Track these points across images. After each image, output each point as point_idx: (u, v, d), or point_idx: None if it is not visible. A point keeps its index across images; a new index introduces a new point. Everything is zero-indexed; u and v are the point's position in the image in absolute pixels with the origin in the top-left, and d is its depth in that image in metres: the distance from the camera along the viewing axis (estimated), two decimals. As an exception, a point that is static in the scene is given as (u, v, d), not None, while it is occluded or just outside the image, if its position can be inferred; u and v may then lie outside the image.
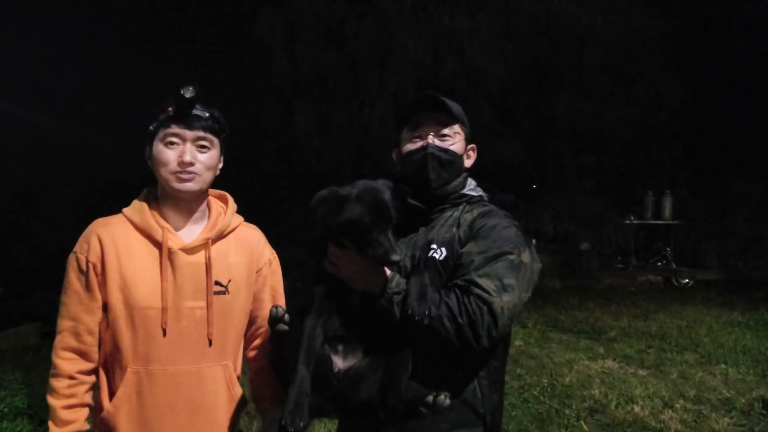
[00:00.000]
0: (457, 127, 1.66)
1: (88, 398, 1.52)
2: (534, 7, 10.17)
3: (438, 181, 1.61)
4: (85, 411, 1.52)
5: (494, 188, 1.74)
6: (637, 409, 4.36)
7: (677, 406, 4.43)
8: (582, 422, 4.11)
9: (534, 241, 12.23)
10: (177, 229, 1.58)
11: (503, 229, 1.52)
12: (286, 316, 1.46)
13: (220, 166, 1.62)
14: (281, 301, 1.73)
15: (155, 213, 1.57)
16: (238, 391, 1.63)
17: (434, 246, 1.56)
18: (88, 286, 1.50)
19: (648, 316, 8.28)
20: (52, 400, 1.49)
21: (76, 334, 1.51)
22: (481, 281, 1.41)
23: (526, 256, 1.50)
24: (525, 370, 5.36)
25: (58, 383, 1.50)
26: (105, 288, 1.50)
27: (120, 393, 1.49)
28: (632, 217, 13.13)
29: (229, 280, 1.59)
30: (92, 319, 1.51)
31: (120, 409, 1.49)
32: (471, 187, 1.69)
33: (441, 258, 1.54)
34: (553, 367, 5.48)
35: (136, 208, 1.57)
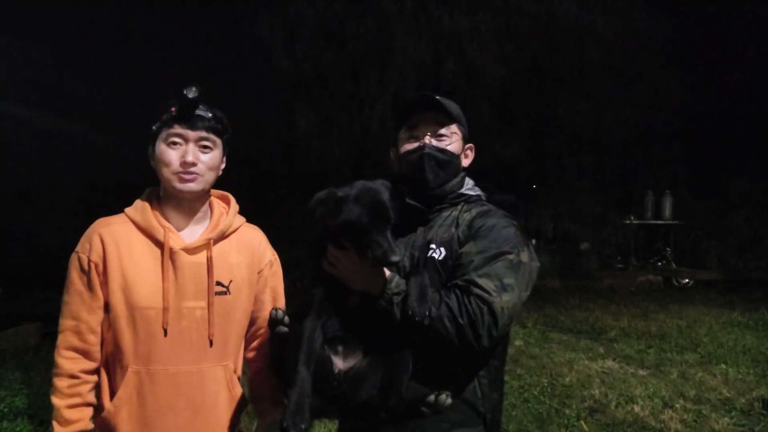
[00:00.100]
0: (454, 127, 1.66)
1: (91, 397, 1.53)
2: (534, 7, 10.17)
3: (435, 181, 1.62)
4: (89, 410, 1.52)
5: (492, 187, 1.75)
6: (637, 409, 4.36)
7: (677, 406, 4.44)
8: (582, 422, 4.11)
9: (534, 241, 12.28)
10: (179, 230, 1.58)
11: (502, 228, 1.52)
12: (286, 318, 1.46)
13: (223, 166, 1.62)
14: (281, 303, 1.73)
15: (157, 213, 1.57)
16: (239, 391, 1.63)
17: (433, 246, 1.56)
18: (90, 286, 1.50)
19: (648, 316, 8.29)
20: (55, 400, 1.50)
21: (78, 334, 1.51)
22: (481, 281, 1.42)
23: (525, 256, 1.50)
24: (525, 370, 5.36)
25: (60, 382, 1.50)
26: (106, 287, 1.50)
27: (121, 393, 1.49)
28: (632, 217, 13.13)
29: (231, 281, 1.59)
30: (94, 319, 1.51)
31: (121, 408, 1.49)
32: (469, 187, 1.70)
33: (440, 258, 1.54)
34: (553, 367, 5.48)
35: (138, 208, 1.58)
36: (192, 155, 1.51)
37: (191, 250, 1.54)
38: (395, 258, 1.37)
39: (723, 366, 5.55)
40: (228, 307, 1.58)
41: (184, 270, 1.52)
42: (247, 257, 1.65)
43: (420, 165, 1.60)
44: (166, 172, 1.52)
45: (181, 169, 1.50)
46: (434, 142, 1.62)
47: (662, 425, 4.07)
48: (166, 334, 1.49)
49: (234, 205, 1.70)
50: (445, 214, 1.63)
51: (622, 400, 4.57)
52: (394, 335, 1.46)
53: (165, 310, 1.49)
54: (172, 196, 1.57)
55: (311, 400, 1.33)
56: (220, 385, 1.57)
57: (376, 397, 1.45)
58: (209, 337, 1.54)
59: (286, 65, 10.46)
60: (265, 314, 1.69)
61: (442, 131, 1.64)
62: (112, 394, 1.52)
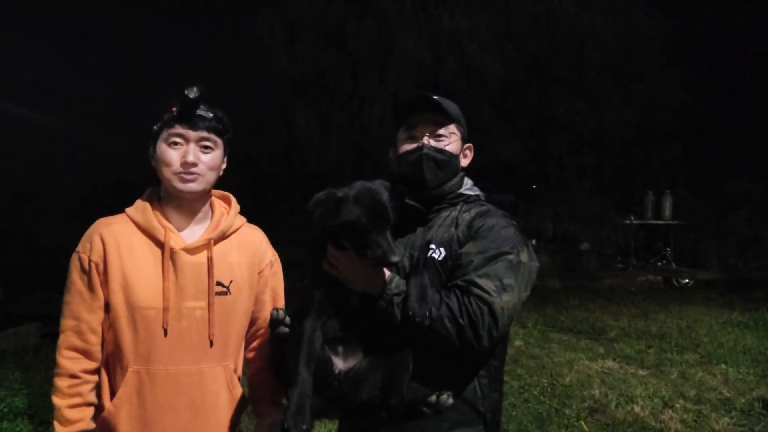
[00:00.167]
0: (452, 127, 1.66)
1: (92, 397, 1.53)
2: (534, 7, 10.16)
3: (434, 182, 1.62)
4: (90, 410, 1.52)
5: (491, 187, 1.75)
6: (637, 409, 4.36)
7: (677, 406, 4.44)
8: (582, 422, 4.11)
9: (534, 241, 12.29)
10: (180, 230, 1.58)
11: (502, 228, 1.53)
12: (287, 319, 1.46)
13: (224, 166, 1.62)
14: (281, 303, 1.73)
15: (158, 213, 1.57)
16: (239, 391, 1.63)
17: (433, 246, 1.56)
18: (90, 286, 1.51)
19: (648, 316, 8.29)
20: (56, 400, 1.50)
21: (79, 333, 1.51)
22: (481, 282, 1.42)
23: (524, 256, 1.51)
24: (525, 370, 5.36)
25: (62, 382, 1.50)
26: (107, 287, 1.50)
27: (121, 393, 1.50)
28: (632, 217, 13.14)
29: (231, 281, 1.59)
30: (95, 318, 1.51)
31: (120, 408, 1.49)
32: (468, 187, 1.70)
33: (440, 258, 1.54)
34: (553, 367, 5.48)
35: (139, 208, 1.58)
36: (193, 155, 1.51)
37: (192, 250, 1.54)
38: (395, 258, 1.37)
39: (723, 366, 5.55)
40: (228, 307, 1.58)
41: (185, 270, 1.52)
42: (247, 257, 1.65)
43: (418, 165, 1.60)
44: (166, 172, 1.52)
45: (181, 170, 1.50)
46: (433, 143, 1.62)
47: (662, 425, 4.07)
48: (166, 334, 1.49)
49: (235, 206, 1.70)
50: (445, 214, 1.63)
51: (622, 400, 4.57)
52: (394, 335, 1.46)
53: (165, 310, 1.49)
54: (172, 196, 1.57)
55: (312, 401, 1.33)
56: (221, 385, 1.57)
57: (376, 398, 1.45)
58: (209, 338, 1.54)
59: (286, 65, 10.45)
60: (265, 314, 1.70)
61: (441, 131, 1.64)
62: (113, 394, 1.52)
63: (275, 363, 1.60)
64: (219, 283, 1.56)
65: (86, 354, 1.52)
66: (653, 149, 12.07)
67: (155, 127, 1.55)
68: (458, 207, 1.64)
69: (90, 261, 1.50)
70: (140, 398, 1.49)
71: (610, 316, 8.22)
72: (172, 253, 1.51)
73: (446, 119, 1.64)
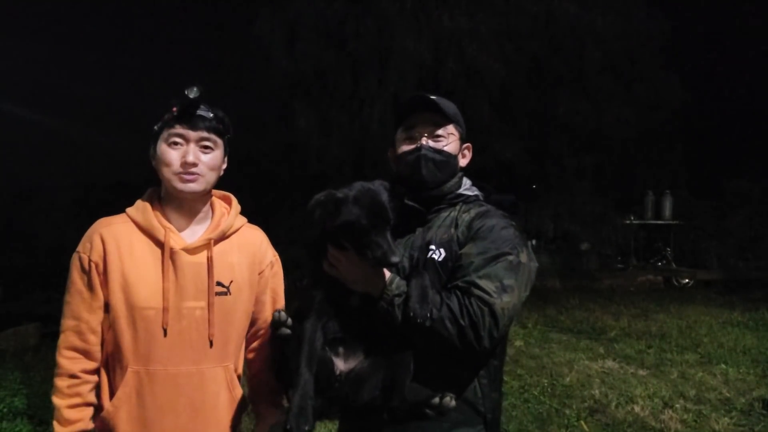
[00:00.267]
0: (451, 128, 1.66)
1: (91, 397, 1.53)
2: (534, 7, 10.15)
3: (433, 182, 1.62)
4: (89, 410, 1.52)
5: (489, 187, 1.75)
6: (637, 409, 4.36)
7: (677, 406, 4.44)
8: (582, 422, 4.11)
9: (534, 241, 12.29)
10: (180, 230, 1.58)
11: (501, 229, 1.53)
12: (289, 321, 1.46)
13: (224, 166, 1.62)
14: (281, 303, 1.73)
15: (158, 213, 1.57)
16: (239, 392, 1.63)
17: (433, 247, 1.56)
18: (90, 286, 1.51)
19: (648, 316, 8.29)
20: (56, 400, 1.50)
21: (79, 333, 1.51)
22: (482, 282, 1.42)
23: (524, 256, 1.51)
24: (525, 370, 5.36)
25: (61, 382, 1.50)
26: (107, 287, 1.50)
27: (120, 393, 1.49)
28: (632, 217, 13.14)
29: (231, 281, 1.59)
30: (94, 318, 1.51)
31: (120, 409, 1.49)
32: (467, 187, 1.70)
33: (440, 259, 1.54)
34: (553, 367, 5.48)
35: (139, 208, 1.58)
36: (193, 155, 1.51)
37: (192, 250, 1.54)
38: (395, 259, 1.37)
39: (723, 366, 5.55)
40: (228, 307, 1.58)
41: (185, 270, 1.52)
42: (248, 258, 1.65)
43: (417, 166, 1.60)
44: (166, 173, 1.52)
45: (181, 170, 1.50)
46: (431, 143, 1.62)
47: (662, 425, 4.07)
48: (165, 334, 1.49)
49: (236, 206, 1.70)
50: (444, 214, 1.63)
51: (622, 400, 4.57)
52: (394, 336, 1.46)
53: (165, 310, 1.49)
54: (173, 197, 1.56)
55: (313, 402, 1.33)
56: (221, 385, 1.57)
57: (377, 399, 1.45)
58: (209, 338, 1.53)
59: (285, 65, 10.44)
60: (265, 315, 1.70)
61: (439, 132, 1.64)
62: (112, 394, 1.52)
63: (276, 364, 1.60)
64: (219, 284, 1.56)
65: (86, 354, 1.52)
66: (653, 149, 12.06)
67: (155, 127, 1.55)
68: (457, 207, 1.64)
69: (90, 261, 1.50)
70: (140, 398, 1.49)
71: (610, 316, 8.22)
72: (172, 253, 1.51)
73: (444, 119, 1.64)
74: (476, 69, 9.85)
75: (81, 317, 1.51)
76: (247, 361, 1.75)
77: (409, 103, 1.68)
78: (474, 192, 1.69)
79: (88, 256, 1.51)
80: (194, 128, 1.51)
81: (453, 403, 1.41)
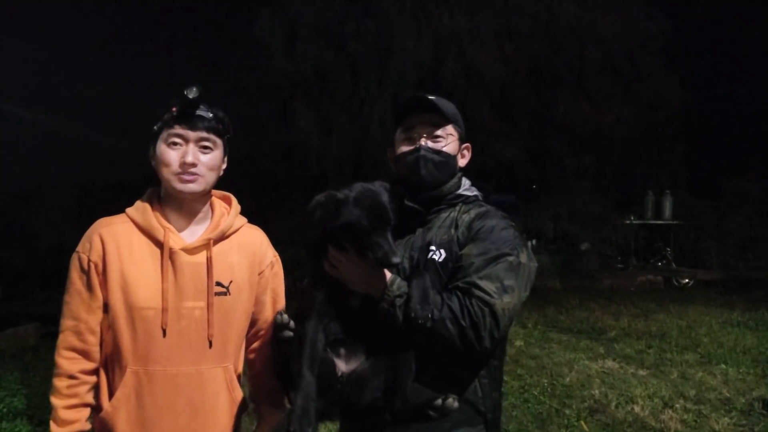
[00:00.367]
0: (450, 128, 1.66)
1: (89, 398, 1.53)
2: (534, 7, 10.15)
3: (432, 183, 1.62)
4: (86, 411, 1.52)
5: (489, 187, 1.75)
6: (637, 409, 4.36)
7: (677, 406, 4.43)
8: (582, 422, 4.11)
9: (534, 241, 12.29)
10: (180, 230, 1.58)
11: (501, 230, 1.53)
12: (292, 323, 1.46)
13: (224, 167, 1.62)
14: (281, 304, 1.73)
15: (158, 213, 1.56)
16: (239, 394, 1.62)
17: (433, 248, 1.56)
18: (89, 286, 1.50)
19: (648, 316, 8.29)
20: (54, 400, 1.50)
21: (78, 334, 1.51)
22: (482, 283, 1.42)
23: (524, 257, 1.51)
24: (525, 370, 5.36)
25: (60, 383, 1.50)
26: (106, 287, 1.50)
27: (119, 393, 1.49)
28: (632, 217, 13.13)
29: (231, 282, 1.58)
30: (93, 319, 1.51)
31: (119, 409, 1.49)
32: (466, 187, 1.70)
33: (440, 260, 1.54)
34: (553, 367, 5.48)
35: (139, 209, 1.57)
36: (192, 156, 1.50)
37: (191, 250, 1.54)
38: (396, 259, 1.37)
39: (723, 366, 5.55)
40: (228, 307, 1.57)
41: (184, 270, 1.52)
42: (248, 258, 1.65)
43: (416, 167, 1.60)
44: (166, 173, 1.52)
45: (180, 170, 1.50)
46: (430, 144, 1.62)
47: (662, 425, 4.07)
48: (165, 334, 1.49)
49: (235, 206, 1.69)
50: (444, 215, 1.63)
51: (622, 400, 4.57)
52: (395, 337, 1.46)
53: (164, 310, 1.49)
54: (172, 197, 1.56)
55: (316, 404, 1.33)
56: (220, 386, 1.57)
57: (379, 400, 1.45)
58: (208, 338, 1.53)
59: (285, 65, 10.44)
60: (265, 316, 1.69)
61: (438, 132, 1.64)
62: (111, 394, 1.51)
63: (277, 365, 1.60)
64: (218, 284, 1.56)
65: (84, 354, 1.51)
66: (653, 149, 12.06)
67: (155, 128, 1.55)
68: (457, 208, 1.64)
69: (89, 261, 1.50)
70: (139, 399, 1.49)
71: (610, 316, 8.22)
72: (172, 253, 1.51)
73: (443, 120, 1.64)
74: (476, 69, 9.84)
75: (80, 317, 1.50)
76: (248, 362, 1.74)
77: (407, 104, 1.68)
78: (473, 192, 1.69)
79: (88, 256, 1.50)
80: (193, 128, 1.51)
81: (456, 404, 1.41)
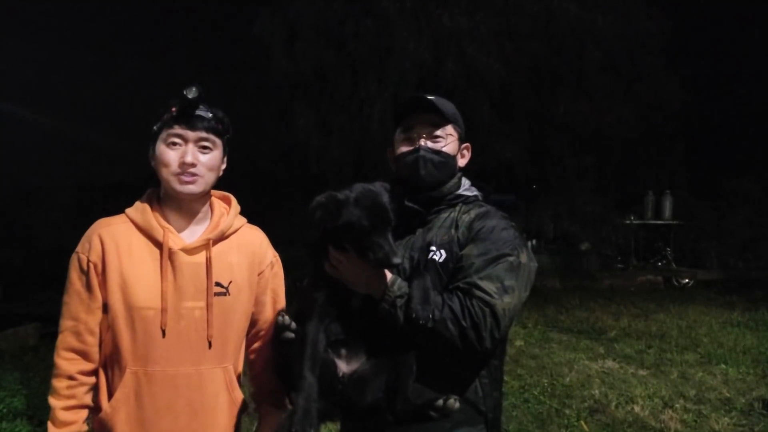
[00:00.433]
0: (449, 128, 1.65)
1: (87, 399, 1.52)
2: (534, 7, 10.15)
3: (432, 183, 1.62)
4: (84, 412, 1.52)
5: (489, 187, 1.75)
6: (637, 409, 4.35)
7: (677, 406, 4.43)
8: (582, 422, 4.11)
9: (534, 241, 12.28)
10: (179, 230, 1.57)
11: (501, 230, 1.53)
12: (293, 325, 1.46)
13: (223, 167, 1.62)
14: (281, 304, 1.72)
15: (157, 214, 1.56)
16: (239, 395, 1.62)
17: (433, 248, 1.56)
18: (88, 286, 1.50)
19: (648, 316, 8.29)
20: (52, 401, 1.50)
21: (77, 334, 1.50)
22: (483, 284, 1.42)
23: (524, 257, 1.51)
24: (525, 370, 5.36)
25: (58, 383, 1.50)
26: (105, 288, 1.49)
27: (118, 394, 1.49)
28: (632, 217, 13.14)
29: (230, 282, 1.58)
30: (92, 319, 1.51)
31: (118, 410, 1.49)
32: (466, 187, 1.70)
33: (441, 260, 1.54)
34: (553, 367, 5.48)
35: (139, 209, 1.57)
36: (191, 156, 1.50)
37: (190, 251, 1.53)
38: (397, 260, 1.37)
39: (723, 366, 5.55)
40: (227, 308, 1.57)
41: (183, 270, 1.51)
42: (247, 258, 1.64)
43: (415, 167, 1.60)
44: (165, 173, 1.51)
45: (180, 170, 1.50)
46: (429, 144, 1.62)
47: (662, 425, 4.07)
48: (164, 334, 1.48)
49: (235, 206, 1.69)
50: (444, 215, 1.63)
51: (622, 400, 4.57)
52: (396, 337, 1.46)
53: (163, 310, 1.48)
54: (172, 197, 1.56)
55: (317, 404, 1.33)
56: (220, 387, 1.56)
57: (381, 400, 1.45)
58: (208, 338, 1.53)
59: (285, 65, 10.44)
60: (265, 316, 1.69)
61: (437, 132, 1.63)
62: (110, 395, 1.51)
63: (278, 366, 1.60)
64: (218, 284, 1.55)
65: (84, 355, 1.51)
66: (653, 149, 12.06)
67: (155, 128, 1.54)
68: (457, 208, 1.64)
69: (89, 261, 1.50)
70: (138, 399, 1.48)
71: (610, 316, 8.22)
72: (171, 253, 1.51)
73: (443, 120, 1.64)
74: (476, 69, 9.85)
75: (79, 318, 1.50)
76: (248, 362, 1.74)
77: (407, 104, 1.68)
78: (473, 192, 1.69)
79: (87, 257, 1.50)
80: (193, 128, 1.50)
81: (457, 405, 1.41)
